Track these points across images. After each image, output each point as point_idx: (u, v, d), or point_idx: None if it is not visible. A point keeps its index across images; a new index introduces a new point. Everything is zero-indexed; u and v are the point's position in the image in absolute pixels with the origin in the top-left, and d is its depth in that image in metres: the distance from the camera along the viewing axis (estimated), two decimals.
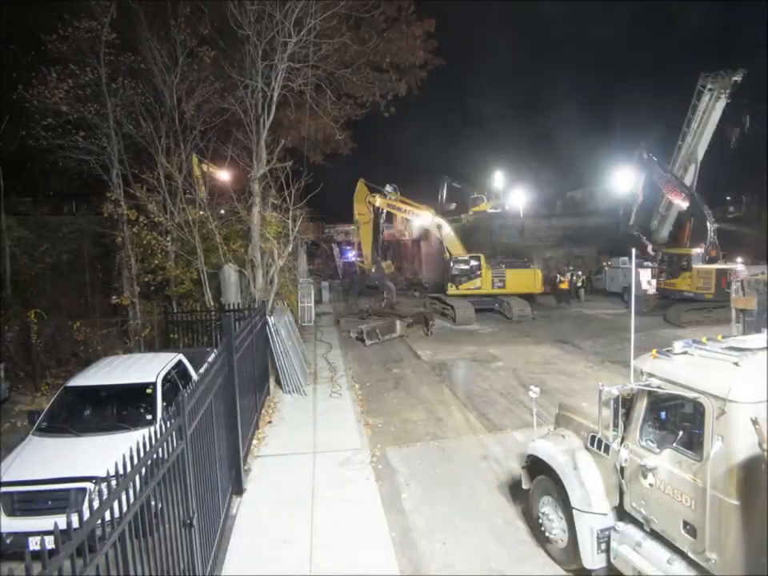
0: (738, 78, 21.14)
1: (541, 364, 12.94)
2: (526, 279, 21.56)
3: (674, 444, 4.04)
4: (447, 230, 23.38)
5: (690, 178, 23.88)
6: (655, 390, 4.22)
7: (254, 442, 8.16)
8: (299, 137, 17.37)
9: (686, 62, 52.35)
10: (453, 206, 40.40)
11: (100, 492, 2.73)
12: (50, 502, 5.21)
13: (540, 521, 5.23)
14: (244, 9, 11.67)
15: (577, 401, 5.86)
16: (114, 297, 13.52)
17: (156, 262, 13.54)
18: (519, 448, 7.71)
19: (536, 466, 5.40)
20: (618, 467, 4.41)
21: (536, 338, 16.24)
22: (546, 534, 5.13)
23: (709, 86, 22.16)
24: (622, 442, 4.42)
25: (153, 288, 14.06)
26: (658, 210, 25.52)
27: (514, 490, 6.48)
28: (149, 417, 6.43)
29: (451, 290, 21.42)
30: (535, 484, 5.42)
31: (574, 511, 4.65)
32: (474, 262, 21.60)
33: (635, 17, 78.71)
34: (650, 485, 4.11)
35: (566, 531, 4.86)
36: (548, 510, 5.12)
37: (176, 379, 7.45)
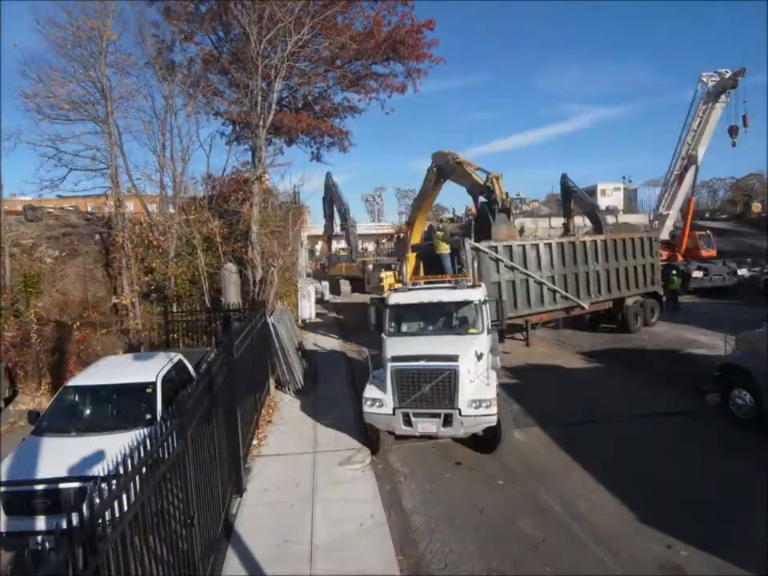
0: (738, 77, 21.12)
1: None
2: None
3: None
4: None
5: (689, 180, 23.86)
6: None
7: (254, 441, 8.15)
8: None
9: None
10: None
11: (100, 492, 2.72)
12: (49, 502, 5.20)
13: (731, 402, 8.38)
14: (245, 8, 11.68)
15: None
16: (113, 297, 13.52)
17: (156, 261, 13.54)
18: (521, 446, 7.74)
19: (729, 371, 8.54)
20: None
21: None
22: (735, 408, 8.33)
23: (709, 85, 22.16)
24: None
25: (153, 288, 14.07)
26: (658, 211, 25.57)
27: (510, 486, 6.50)
28: (149, 416, 6.43)
29: None
30: (727, 382, 8.55)
31: (761, 391, 7.78)
32: None
33: None
34: None
35: (752, 402, 8.04)
36: (739, 394, 8.26)
37: (176, 379, 7.45)
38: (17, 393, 11.12)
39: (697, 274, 23.06)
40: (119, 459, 3.07)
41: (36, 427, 6.37)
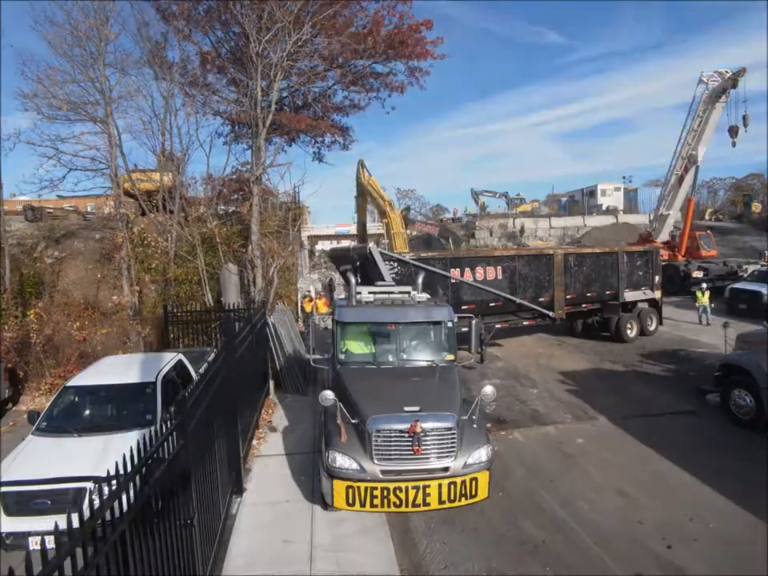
0: (738, 77, 21.08)
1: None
2: None
3: None
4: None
5: (689, 180, 23.83)
6: None
7: (254, 441, 8.15)
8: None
9: None
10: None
11: (100, 492, 2.72)
12: (49, 502, 5.20)
13: (732, 402, 8.39)
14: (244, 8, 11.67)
15: None
16: (114, 296, 13.51)
17: (156, 262, 13.54)
18: (521, 446, 7.74)
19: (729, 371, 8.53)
20: None
21: None
22: (735, 408, 8.36)
23: (708, 85, 22.13)
24: None
25: (153, 288, 14.07)
26: (658, 212, 25.57)
27: (504, 484, 6.48)
28: (149, 416, 6.42)
29: None
30: (727, 382, 8.54)
31: (761, 391, 7.79)
32: None
33: None
34: None
35: (752, 402, 8.04)
36: (739, 394, 8.27)
37: (176, 379, 7.45)
38: (20, 394, 11.11)
39: (697, 274, 23.06)
40: (119, 459, 3.06)
41: (36, 427, 6.36)
